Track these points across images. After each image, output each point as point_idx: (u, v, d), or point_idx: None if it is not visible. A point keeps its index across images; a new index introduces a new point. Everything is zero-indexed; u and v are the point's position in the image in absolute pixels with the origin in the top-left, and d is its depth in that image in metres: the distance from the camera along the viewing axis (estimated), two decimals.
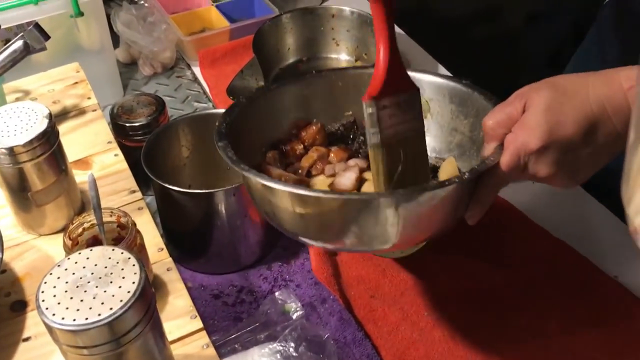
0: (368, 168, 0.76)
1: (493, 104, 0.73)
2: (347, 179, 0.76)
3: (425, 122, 0.75)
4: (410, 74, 0.73)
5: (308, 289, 0.89)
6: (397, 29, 0.95)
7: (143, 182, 0.94)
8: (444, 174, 0.78)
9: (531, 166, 0.65)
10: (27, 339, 0.70)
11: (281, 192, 0.65)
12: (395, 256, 0.91)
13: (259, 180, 0.66)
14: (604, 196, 0.98)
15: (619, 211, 0.92)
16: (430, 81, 0.81)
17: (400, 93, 0.70)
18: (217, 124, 0.75)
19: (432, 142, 0.82)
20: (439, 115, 0.82)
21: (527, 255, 0.92)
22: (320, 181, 0.78)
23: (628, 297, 0.86)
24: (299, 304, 0.85)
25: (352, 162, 0.80)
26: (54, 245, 0.78)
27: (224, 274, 0.92)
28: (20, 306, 0.73)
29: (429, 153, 0.77)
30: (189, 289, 0.85)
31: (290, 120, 0.84)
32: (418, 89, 0.73)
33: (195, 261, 0.93)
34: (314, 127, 0.83)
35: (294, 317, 0.84)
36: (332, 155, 0.81)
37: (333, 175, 0.79)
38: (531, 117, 0.64)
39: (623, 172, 0.39)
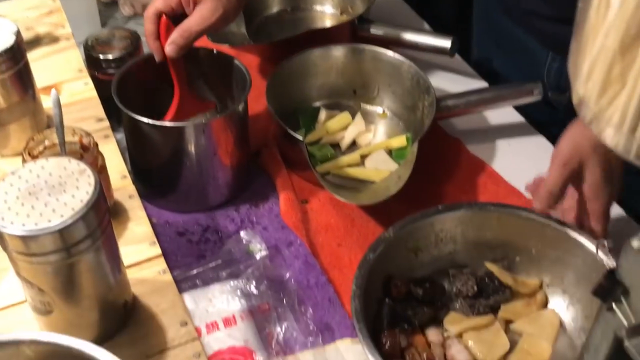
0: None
1: None
2: (463, 357, 0.74)
3: None
4: None
5: (275, 232, 0.88)
6: None
7: (115, 117, 0.92)
8: None
9: None
10: None
11: None
12: (363, 203, 0.90)
13: None
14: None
15: None
16: None
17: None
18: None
19: None
20: None
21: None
22: None
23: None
24: (264, 245, 0.84)
25: (432, 336, 0.77)
26: (16, 166, 0.76)
27: (190, 212, 0.90)
28: None
29: None
30: (153, 225, 0.84)
31: None
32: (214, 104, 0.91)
33: (163, 199, 0.91)
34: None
35: (258, 257, 0.83)
36: (416, 349, 0.75)
37: None
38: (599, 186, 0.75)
39: (569, 51, 0.38)
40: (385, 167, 0.97)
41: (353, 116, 1.03)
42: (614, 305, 0.34)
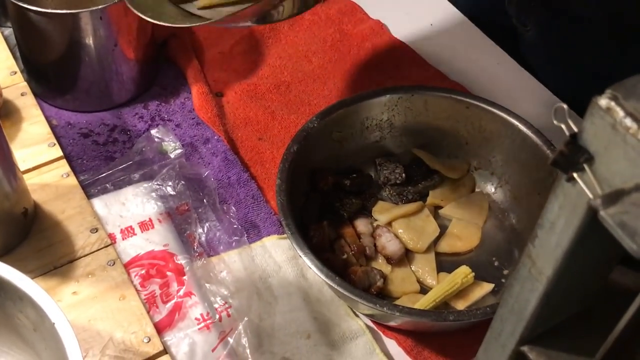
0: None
1: None
2: (393, 246, 0.72)
3: None
4: None
5: (189, 129, 0.82)
6: None
7: (1, 11, 0.83)
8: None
9: None
10: None
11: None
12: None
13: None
14: None
15: None
16: None
17: None
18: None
19: None
20: None
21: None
22: (382, 265, 0.72)
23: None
24: (178, 143, 0.78)
25: (362, 227, 0.73)
26: None
27: (94, 112, 0.82)
28: None
29: None
30: (54, 127, 0.77)
31: None
32: None
33: (61, 98, 0.82)
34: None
35: (172, 156, 0.77)
36: (345, 240, 0.73)
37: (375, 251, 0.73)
38: None
39: None
40: None
41: None
42: (575, 175, 0.31)
